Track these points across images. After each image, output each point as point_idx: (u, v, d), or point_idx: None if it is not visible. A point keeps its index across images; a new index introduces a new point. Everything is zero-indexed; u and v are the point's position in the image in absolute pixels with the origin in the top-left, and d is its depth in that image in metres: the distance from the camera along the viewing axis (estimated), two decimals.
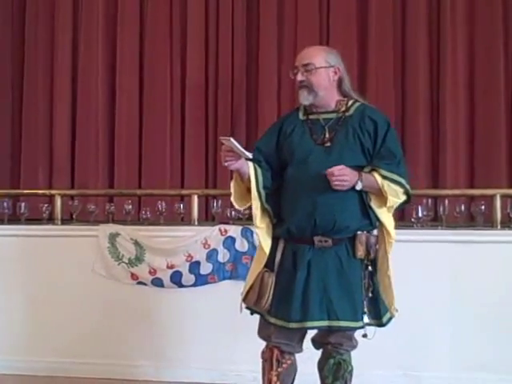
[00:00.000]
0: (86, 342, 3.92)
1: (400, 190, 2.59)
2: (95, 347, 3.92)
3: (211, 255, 3.79)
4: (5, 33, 5.01)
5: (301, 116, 2.73)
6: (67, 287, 3.95)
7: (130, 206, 4.18)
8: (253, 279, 2.66)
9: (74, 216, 4.28)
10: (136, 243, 3.90)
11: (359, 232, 2.58)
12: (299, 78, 2.65)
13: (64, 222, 4.22)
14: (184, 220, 4.17)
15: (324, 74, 2.65)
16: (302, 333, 2.69)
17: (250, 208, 2.74)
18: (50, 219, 4.26)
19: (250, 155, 2.57)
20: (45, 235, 4.08)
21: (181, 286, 3.83)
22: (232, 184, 2.70)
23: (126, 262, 3.90)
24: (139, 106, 4.81)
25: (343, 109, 2.67)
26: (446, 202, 3.86)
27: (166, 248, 3.87)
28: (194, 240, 3.82)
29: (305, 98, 2.65)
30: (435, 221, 3.93)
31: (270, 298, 2.59)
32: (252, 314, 2.70)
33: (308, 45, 4.37)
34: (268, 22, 4.64)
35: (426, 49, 4.46)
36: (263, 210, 2.67)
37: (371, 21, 4.50)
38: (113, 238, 3.93)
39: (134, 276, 3.90)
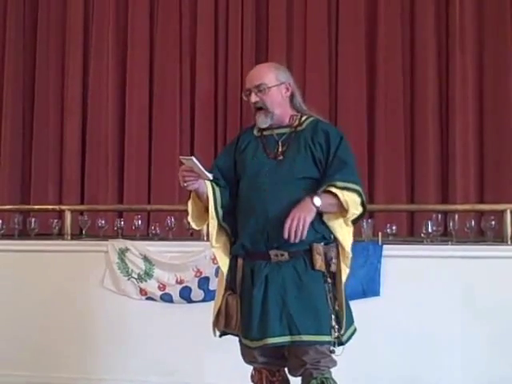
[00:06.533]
0: (95, 357, 3.91)
1: (358, 200, 2.49)
2: (104, 362, 3.91)
3: None
4: (17, 50, 5.08)
5: (255, 132, 2.71)
6: (77, 302, 3.95)
7: (140, 222, 4.19)
8: (219, 303, 2.61)
9: (83, 231, 4.30)
10: (145, 258, 3.91)
11: (315, 244, 2.50)
12: (253, 99, 2.60)
13: (74, 237, 4.24)
14: (193, 235, 4.17)
15: (277, 92, 2.60)
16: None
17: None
18: (60, 234, 4.29)
19: (210, 176, 2.52)
20: (55, 250, 4.09)
21: (190, 301, 3.83)
22: (189, 203, 2.65)
23: (136, 277, 3.90)
24: (149, 121, 4.84)
25: (296, 123, 2.64)
26: (456, 217, 3.84)
27: (175, 263, 3.87)
28: (202, 255, 3.82)
29: (263, 122, 2.61)
30: (445, 236, 3.92)
31: (239, 320, 2.54)
32: (221, 336, 2.65)
33: (317, 63, 4.49)
34: (277, 38, 4.68)
35: (434, 61, 4.46)
36: (220, 228, 2.63)
37: (381, 37, 4.52)
38: (122, 253, 3.94)
39: (143, 291, 3.90)
